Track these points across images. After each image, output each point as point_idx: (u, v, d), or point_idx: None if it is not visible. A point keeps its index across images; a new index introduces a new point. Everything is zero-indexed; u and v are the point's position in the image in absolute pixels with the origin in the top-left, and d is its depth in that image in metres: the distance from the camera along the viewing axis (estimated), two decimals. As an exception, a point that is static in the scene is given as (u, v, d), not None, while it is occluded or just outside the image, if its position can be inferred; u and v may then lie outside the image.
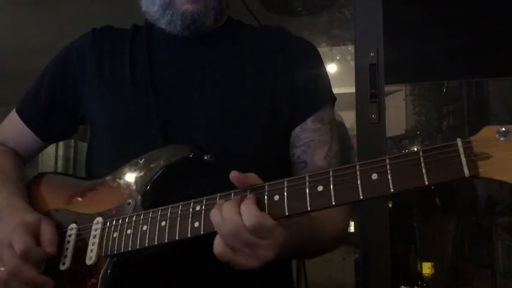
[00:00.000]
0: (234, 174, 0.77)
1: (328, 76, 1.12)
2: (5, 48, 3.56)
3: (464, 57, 2.52)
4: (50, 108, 1.13)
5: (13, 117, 1.16)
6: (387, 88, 1.81)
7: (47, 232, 0.90)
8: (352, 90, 1.80)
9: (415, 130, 4.46)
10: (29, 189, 1.08)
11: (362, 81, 1.76)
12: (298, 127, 1.04)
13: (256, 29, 1.19)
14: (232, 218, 0.73)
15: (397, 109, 4.70)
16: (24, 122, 1.14)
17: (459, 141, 0.65)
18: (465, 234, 3.20)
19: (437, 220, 3.24)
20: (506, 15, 2.26)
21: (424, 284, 3.15)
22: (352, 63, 1.87)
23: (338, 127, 1.14)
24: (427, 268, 3.19)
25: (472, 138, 0.65)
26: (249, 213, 0.73)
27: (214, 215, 0.75)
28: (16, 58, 3.67)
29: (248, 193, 0.77)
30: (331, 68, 4.45)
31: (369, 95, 1.74)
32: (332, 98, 1.10)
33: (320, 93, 1.08)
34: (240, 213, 0.73)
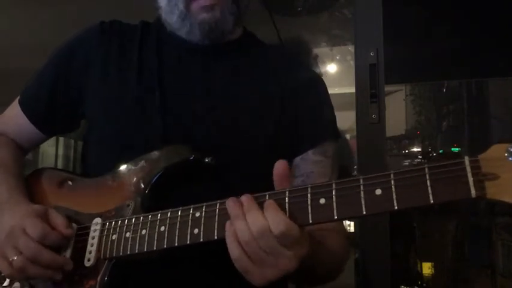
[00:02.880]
0: (281, 164, 0.75)
1: (334, 112, 1.12)
2: (5, 48, 3.56)
3: (464, 57, 2.52)
4: (52, 103, 1.11)
5: (15, 109, 1.15)
6: (387, 88, 1.81)
7: (57, 218, 0.91)
8: (352, 90, 1.80)
9: (415, 130, 4.46)
10: (28, 184, 1.08)
11: (362, 81, 1.76)
12: (299, 157, 1.04)
13: (270, 49, 1.18)
14: (258, 220, 0.71)
15: (397, 109, 4.70)
16: (26, 116, 1.13)
17: (467, 160, 0.63)
18: (465, 234, 3.20)
19: (437, 220, 3.24)
20: (506, 15, 2.26)
21: (424, 284, 3.14)
22: (352, 63, 1.87)
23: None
24: (427, 268, 3.18)
25: (480, 156, 0.62)
26: (277, 218, 0.71)
27: (237, 221, 0.72)
28: (16, 58, 3.67)
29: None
30: (331, 68, 4.46)
31: (369, 95, 1.74)
32: (336, 135, 1.10)
33: (324, 129, 1.08)
34: (265, 217, 0.71)
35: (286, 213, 0.72)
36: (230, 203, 0.75)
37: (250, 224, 0.71)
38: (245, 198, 0.75)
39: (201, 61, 1.06)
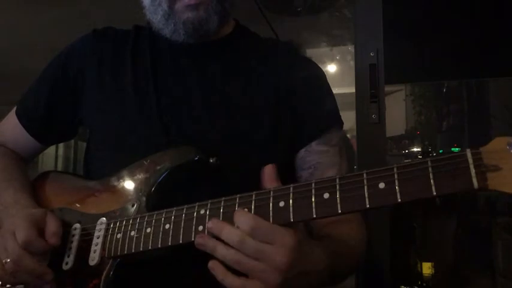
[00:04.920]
0: (269, 169, 0.76)
1: (335, 100, 1.10)
2: (5, 48, 3.56)
3: (464, 57, 2.53)
4: (50, 113, 1.12)
5: (12, 120, 1.15)
6: (387, 88, 1.82)
7: (51, 224, 0.91)
8: (352, 90, 1.80)
9: (415, 130, 4.47)
10: (34, 187, 1.08)
11: (362, 81, 1.77)
12: (303, 150, 1.03)
13: (264, 41, 1.16)
14: (232, 234, 0.72)
15: (397, 109, 4.70)
16: (24, 127, 1.13)
17: (468, 152, 0.63)
18: (465, 234, 3.20)
19: (437, 220, 3.24)
20: (506, 15, 2.26)
21: (424, 284, 3.14)
22: (352, 63, 1.87)
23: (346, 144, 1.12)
24: (427, 268, 3.18)
25: (482, 149, 0.63)
26: (242, 218, 0.72)
27: (217, 250, 0.73)
28: (16, 58, 3.67)
29: (254, 196, 0.76)
30: (331, 68, 4.46)
31: (369, 95, 1.74)
32: (339, 123, 1.08)
33: (326, 118, 1.06)
34: (235, 228, 0.72)
35: (290, 209, 0.72)
36: (199, 241, 0.75)
37: (228, 241, 0.72)
38: (210, 224, 0.75)
39: (194, 60, 1.06)
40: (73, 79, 1.10)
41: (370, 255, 1.72)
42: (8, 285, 0.93)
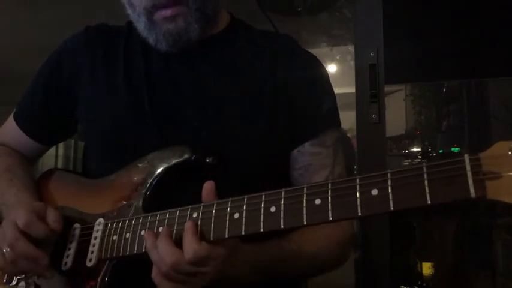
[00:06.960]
0: (208, 185, 0.79)
1: (334, 98, 1.07)
2: (5, 48, 3.57)
3: (464, 57, 2.52)
4: (46, 114, 1.12)
5: (11, 123, 1.16)
6: (387, 88, 1.82)
7: (51, 213, 0.91)
8: (352, 90, 1.81)
9: (415, 130, 4.46)
10: (38, 185, 1.09)
11: (362, 81, 1.77)
12: (296, 150, 1.02)
13: (261, 34, 1.13)
14: (170, 253, 0.75)
15: (397, 109, 4.70)
16: (22, 130, 1.14)
17: (466, 158, 0.60)
18: (465, 234, 3.20)
19: (437, 220, 3.24)
20: (506, 15, 2.26)
21: (424, 284, 3.14)
22: (352, 63, 1.87)
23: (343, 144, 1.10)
24: (427, 268, 3.18)
25: (481, 154, 0.59)
26: (186, 246, 0.74)
27: (152, 253, 0.78)
28: (16, 58, 3.68)
29: (245, 200, 0.75)
30: (331, 68, 4.46)
31: (369, 95, 1.75)
32: (336, 123, 1.07)
33: (322, 118, 1.04)
34: (174, 247, 0.76)
35: (281, 215, 0.72)
36: (145, 235, 0.81)
37: (164, 257, 0.75)
38: (162, 230, 0.79)
39: (187, 59, 1.05)
40: (68, 79, 1.10)
41: (370, 255, 1.72)
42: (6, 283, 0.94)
